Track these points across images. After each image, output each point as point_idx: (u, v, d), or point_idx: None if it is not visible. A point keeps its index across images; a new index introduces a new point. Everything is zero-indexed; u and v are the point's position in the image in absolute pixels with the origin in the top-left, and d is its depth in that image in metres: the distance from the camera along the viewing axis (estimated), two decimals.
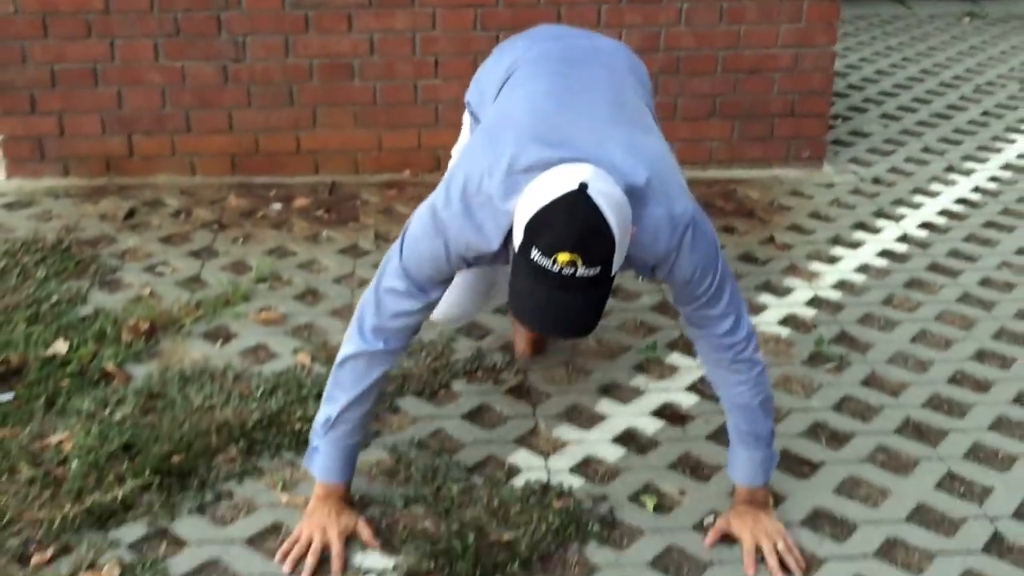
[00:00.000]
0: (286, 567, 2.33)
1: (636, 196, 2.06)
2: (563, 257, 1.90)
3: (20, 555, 2.35)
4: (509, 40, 2.71)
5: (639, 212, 2.07)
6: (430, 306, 2.33)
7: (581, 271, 1.91)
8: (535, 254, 1.92)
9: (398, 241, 2.30)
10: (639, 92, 2.50)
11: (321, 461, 2.44)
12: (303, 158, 4.24)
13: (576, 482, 2.61)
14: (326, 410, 2.40)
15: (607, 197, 1.94)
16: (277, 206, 4.01)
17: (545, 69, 2.46)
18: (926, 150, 4.71)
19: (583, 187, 1.91)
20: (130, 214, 3.92)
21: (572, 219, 1.91)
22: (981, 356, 3.15)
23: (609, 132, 2.18)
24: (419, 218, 2.24)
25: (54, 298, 3.32)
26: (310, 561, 2.33)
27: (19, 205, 4.00)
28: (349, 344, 2.35)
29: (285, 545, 2.38)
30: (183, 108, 4.13)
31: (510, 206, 2.07)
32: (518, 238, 1.99)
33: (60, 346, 3.06)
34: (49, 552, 2.35)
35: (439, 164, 4.24)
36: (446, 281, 2.31)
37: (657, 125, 2.42)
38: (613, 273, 1.98)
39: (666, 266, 2.19)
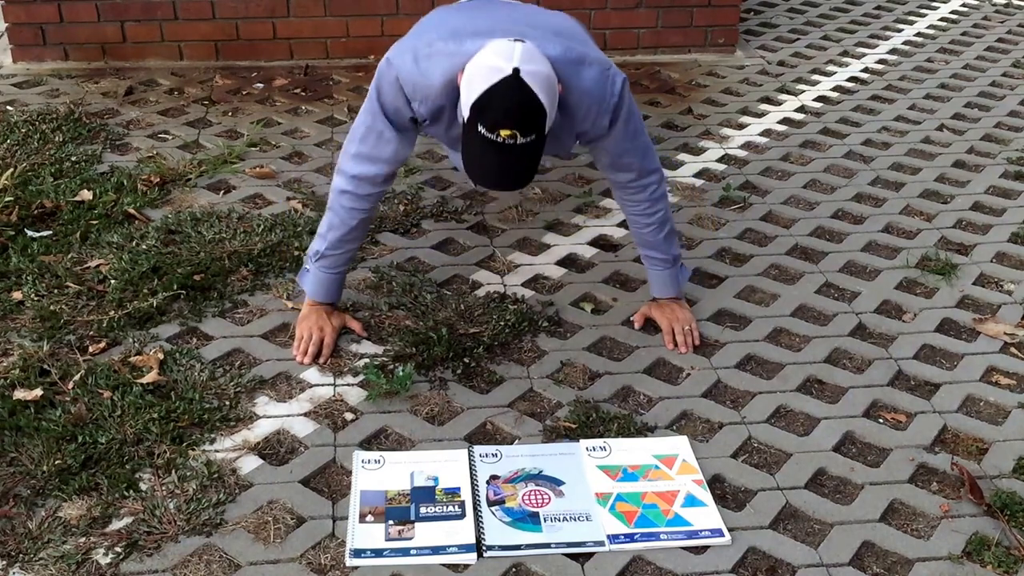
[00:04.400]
0: (306, 360, 2.85)
1: (566, 63, 2.52)
2: (504, 132, 2.31)
3: (79, 346, 2.86)
4: None
5: (574, 73, 2.54)
6: (396, 154, 2.75)
7: (520, 140, 2.33)
8: (481, 129, 2.33)
9: (365, 102, 2.72)
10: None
11: (311, 281, 2.93)
12: (279, 44, 4.71)
13: (527, 293, 3.18)
14: (317, 243, 2.89)
15: (535, 76, 2.33)
16: (259, 85, 4.52)
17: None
18: (825, 38, 5.32)
19: (516, 72, 2.31)
20: (129, 92, 4.40)
21: (509, 102, 2.31)
22: (859, 198, 3.77)
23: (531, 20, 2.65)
24: (377, 72, 2.66)
25: (73, 158, 3.82)
26: (325, 352, 2.86)
27: (28, 84, 4.46)
28: (334, 187, 2.81)
29: (294, 348, 2.88)
30: None
31: (452, 47, 2.49)
32: (465, 112, 2.38)
33: (85, 194, 3.55)
34: (102, 343, 2.88)
35: None
36: (406, 128, 2.71)
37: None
38: (545, 134, 2.40)
39: (599, 128, 2.65)
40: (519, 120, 2.33)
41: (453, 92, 2.52)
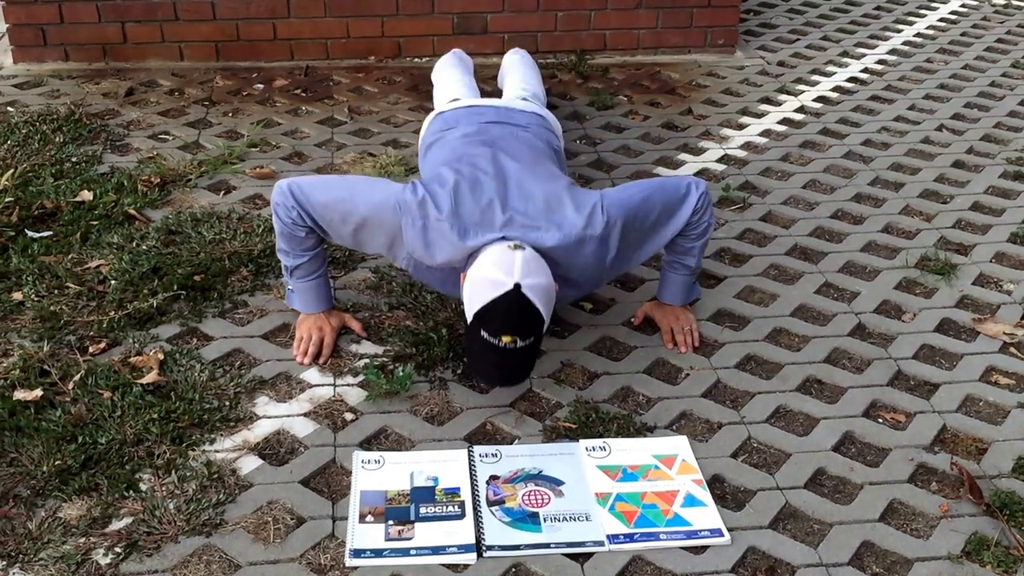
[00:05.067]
0: (306, 361, 2.86)
1: (566, 248, 2.64)
2: (506, 338, 2.47)
3: (79, 347, 2.86)
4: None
5: (575, 253, 2.66)
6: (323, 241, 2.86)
7: (520, 344, 2.48)
8: (484, 334, 2.48)
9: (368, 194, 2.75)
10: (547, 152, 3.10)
11: (299, 298, 2.96)
12: (280, 45, 4.71)
13: None
14: (283, 260, 2.90)
15: (535, 289, 2.48)
16: (259, 86, 4.52)
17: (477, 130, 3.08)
18: (825, 39, 5.32)
19: (517, 287, 2.45)
20: (129, 92, 4.41)
21: (510, 313, 2.47)
22: (859, 198, 3.78)
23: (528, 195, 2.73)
24: (384, 203, 2.70)
25: (74, 159, 3.83)
26: (325, 352, 2.87)
27: (29, 85, 4.47)
28: (276, 221, 2.82)
29: (294, 348, 2.89)
30: None
31: (458, 241, 2.60)
32: (469, 317, 2.52)
33: (86, 195, 3.56)
34: (102, 344, 2.88)
35: (400, 50, 4.77)
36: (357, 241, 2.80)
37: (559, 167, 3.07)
38: (542, 334, 2.54)
39: (613, 264, 2.75)
40: (519, 329, 2.48)
41: (446, 270, 2.71)
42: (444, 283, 2.82)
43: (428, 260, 2.68)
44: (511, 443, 2.62)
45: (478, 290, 2.50)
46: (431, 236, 2.65)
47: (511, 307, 2.46)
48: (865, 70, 4.93)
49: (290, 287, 2.96)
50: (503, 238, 2.59)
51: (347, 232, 2.76)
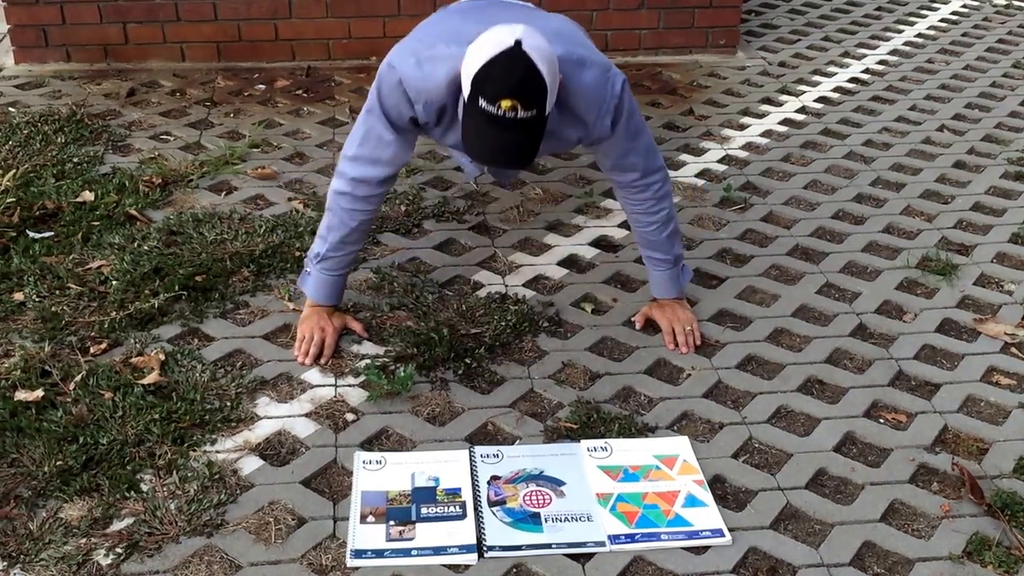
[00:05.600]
0: (307, 361, 2.86)
1: (567, 64, 2.53)
2: (505, 103, 2.30)
3: (80, 347, 2.86)
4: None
5: (575, 74, 2.55)
6: (396, 156, 2.76)
7: (521, 114, 2.32)
8: (482, 102, 2.32)
9: (365, 104, 2.73)
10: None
11: (312, 284, 2.93)
12: (281, 45, 4.72)
13: (528, 293, 3.18)
14: (318, 245, 2.89)
15: (538, 50, 2.33)
16: (261, 87, 4.52)
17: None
18: (826, 39, 5.32)
19: (518, 43, 2.30)
20: (131, 93, 4.41)
21: (511, 71, 2.30)
22: (860, 198, 3.78)
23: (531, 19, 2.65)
24: (379, 75, 2.67)
25: (75, 159, 3.83)
26: (327, 352, 2.87)
27: (30, 86, 4.47)
28: (333, 188, 2.83)
29: (295, 349, 2.89)
30: None
31: (454, 50, 2.47)
32: (466, 89, 2.38)
33: (87, 195, 3.56)
34: (104, 344, 2.88)
35: None
36: (406, 131, 2.72)
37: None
38: (546, 114, 2.38)
39: (601, 129, 2.66)
40: (520, 91, 2.31)
41: (456, 92, 2.53)
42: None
43: (434, 91, 2.55)
44: (512, 443, 2.61)
45: (476, 55, 2.36)
46: (426, 68, 2.55)
47: (512, 64, 2.30)
48: (866, 70, 4.93)
49: (308, 270, 2.92)
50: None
51: (392, 140, 2.70)
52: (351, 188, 2.78)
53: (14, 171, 3.64)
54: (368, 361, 2.86)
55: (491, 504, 2.41)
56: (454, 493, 2.44)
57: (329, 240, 2.85)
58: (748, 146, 4.16)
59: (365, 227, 2.87)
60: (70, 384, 2.71)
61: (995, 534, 2.35)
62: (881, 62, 5.04)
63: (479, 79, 2.34)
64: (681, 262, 3.03)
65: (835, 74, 4.87)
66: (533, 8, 2.89)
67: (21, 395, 2.66)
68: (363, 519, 2.35)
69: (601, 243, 3.47)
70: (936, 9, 5.80)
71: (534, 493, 2.45)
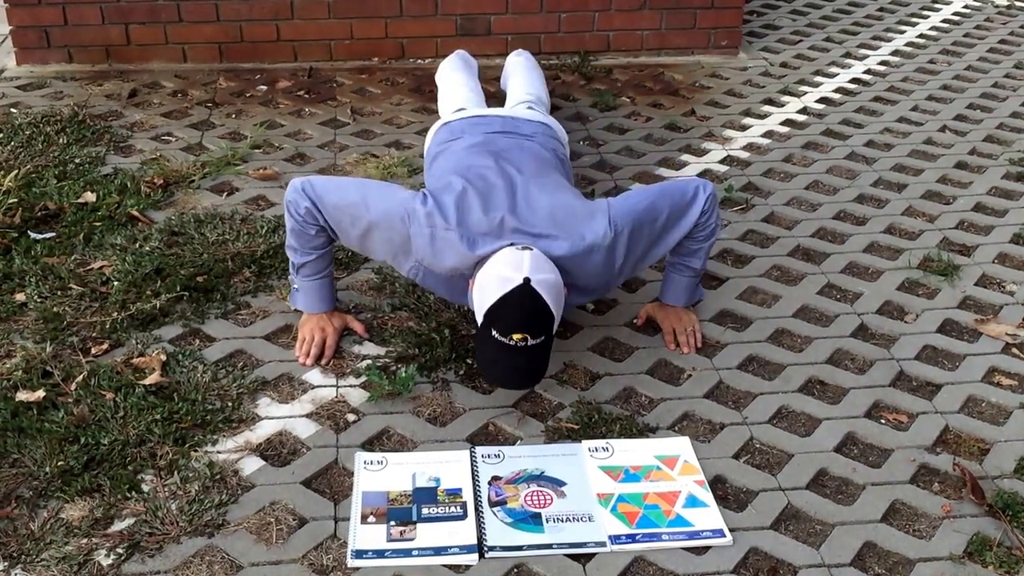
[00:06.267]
0: (309, 362, 2.87)
1: (574, 257, 2.65)
2: (517, 336, 2.45)
3: (81, 348, 2.87)
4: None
5: (584, 263, 2.67)
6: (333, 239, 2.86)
7: (531, 342, 2.47)
8: (495, 333, 2.47)
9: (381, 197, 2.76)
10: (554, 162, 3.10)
11: (302, 297, 2.96)
12: (283, 46, 4.72)
13: None
14: (292, 257, 2.91)
15: (545, 284, 2.49)
16: (263, 88, 4.53)
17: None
18: (828, 40, 5.32)
19: (527, 281, 2.47)
20: (132, 94, 4.41)
21: (521, 309, 2.47)
22: (861, 199, 3.78)
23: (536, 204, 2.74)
24: (393, 210, 2.71)
25: (77, 160, 3.84)
26: (328, 353, 2.88)
27: (32, 87, 4.48)
28: (288, 198, 2.82)
29: (296, 349, 2.89)
30: (174, 0, 4.59)
31: (466, 250, 2.62)
32: (479, 318, 2.53)
33: (89, 196, 3.57)
34: (105, 345, 2.89)
35: (403, 52, 4.77)
36: (362, 246, 2.83)
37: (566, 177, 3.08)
38: (553, 334, 2.54)
39: (621, 278, 2.83)
40: (530, 325, 2.47)
41: (455, 277, 2.73)
42: (452, 291, 2.83)
43: (437, 267, 2.70)
44: (513, 444, 2.62)
45: (487, 289, 2.51)
46: (439, 245, 2.66)
47: (522, 302, 2.46)
48: (868, 71, 4.92)
49: (295, 286, 2.96)
50: (511, 245, 2.60)
51: (355, 235, 2.78)
52: (303, 214, 2.80)
53: (16, 172, 3.65)
54: (369, 362, 2.87)
55: (492, 504, 2.41)
56: (455, 493, 2.44)
57: (298, 247, 2.87)
58: (749, 147, 4.16)
59: (325, 232, 2.86)
60: (71, 384, 2.71)
61: (996, 534, 2.35)
62: (883, 63, 5.04)
63: (491, 314, 2.50)
64: (700, 277, 3.04)
65: (837, 75, 4.87)
66: (530, 164, 2.98)
67: (23, 395, 2.66)
68: (364, 519, 2.35)
69: None
70: (938, 10, 5.79)
71: (535, 493, 2.45)
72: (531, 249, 2.57)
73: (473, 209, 2.68)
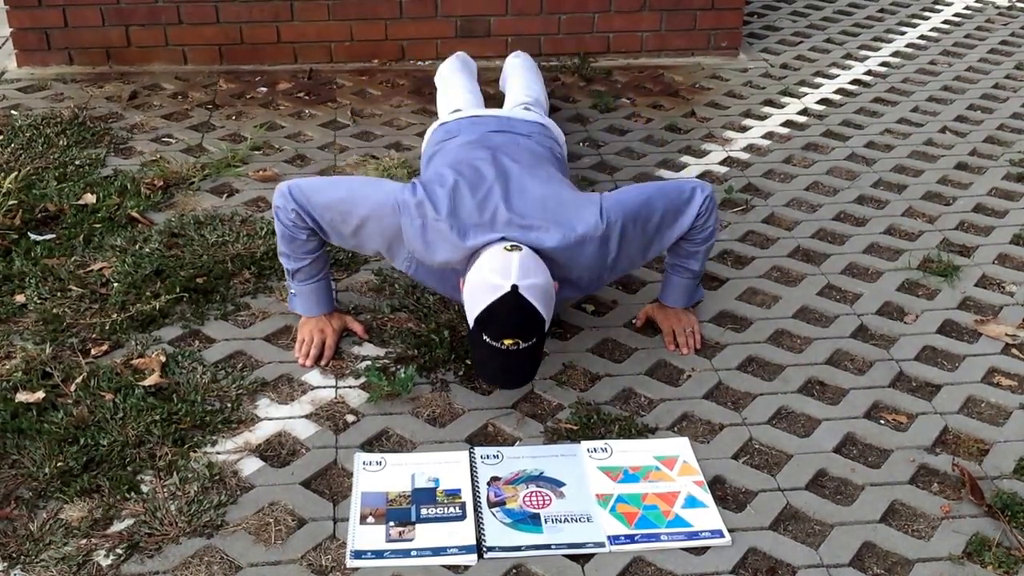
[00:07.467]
0: (308, 363, 2.87)
1: (566, 248, 2.65)
2: (508, 341, 2.47)
3: (81, 349, 2.87)
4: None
5: (577, 254, 2.67)
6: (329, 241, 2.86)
7: (523, 345, 2.49)
8: (486, 337, 2.48)
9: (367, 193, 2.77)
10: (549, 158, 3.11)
11: (300, 301, 2.96)
12: (283, 48, 4.72)
13: None
14: (286, 263, 2.91)
15: (533, 289, 2.49)
16: (263, 89, 4.53)
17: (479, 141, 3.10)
18: (828, 41, 5.32)
19: (515, 288, 2.46)
20: (133, 96, 4.42)
21: (510, 316, 2.47)
22: (861, 200, 3.77)
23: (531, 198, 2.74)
24: (399, 201, 2.70)
25: (77, 162, 3.84)
26: (327, 354, 2.88)
27: (32, 89, 4.48)
28: (277, 203, 2.82)
29: (296, 350, 2.90)
30: (174, 1, 4.57)
31: (458, 240, 2.61)
32: (470, 322, 2.53)
33: (89, 198, 3.57)
34: (105, 346, 2.89)
35: (403, 53, 4.78)
36: (355, 243, 2.83)
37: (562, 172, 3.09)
38: (545, 334, 2.55)
39: (617, 272, 2.82)
40: (520, 331, 2.48)
41: (446, 271, 2.74)
42: (444, 285, 2.83)
43: (428, 259, 2.69)
44: (512, 444, 2.62)
45: (476, 295, 2.51)
46: (430, 236, 2.65)
47: (510, 310, 2.46)
48: (868, 72, 4.92)
49: (292, 291, 2.96)
50: (502, 238, 2.59)
51: (347, 232, 2.77)
52: (293, 218, 2.79)
53: (16, 173, 3.65)
54: (369, 362, 2.87)
55: (491, 505, 2.41)
56: (454, 494, 2.44)
57: (290, 253, 2.87)
58: (750, 148, 4.16)
59: (316, 237, 2.86)
60: (71, 386, 2.71)
61: (995, 535, 2.34)
62: (883, 64, 5.04)
63: (482, 320, 2.50)
64: (699, 279, 3.04)
65: (837, 76, 4.87)
66: (524, 154, 2.99)
67: (22, 396, 2.66)
68: (363, 520, 2.36)
69: None
70: (939, 11, 5.80)
71: (534, 494, 2.45)
72: (520, 249, 2.55)
73: (465, 200, 2.68)
